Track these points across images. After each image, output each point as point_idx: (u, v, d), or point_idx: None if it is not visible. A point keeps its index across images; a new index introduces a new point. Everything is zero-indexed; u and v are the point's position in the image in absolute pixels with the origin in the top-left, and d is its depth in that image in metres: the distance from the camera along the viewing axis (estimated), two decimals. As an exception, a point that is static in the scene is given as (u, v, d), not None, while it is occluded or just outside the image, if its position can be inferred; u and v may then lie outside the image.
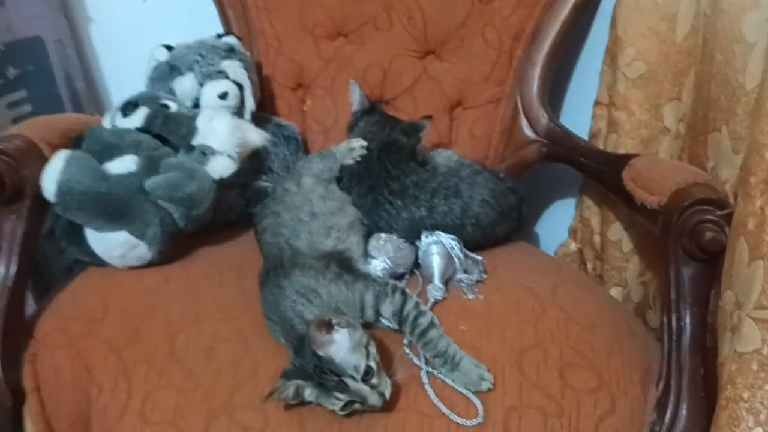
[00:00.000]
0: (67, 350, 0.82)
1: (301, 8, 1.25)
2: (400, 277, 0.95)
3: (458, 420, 0.74)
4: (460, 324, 0.84)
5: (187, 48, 1.11)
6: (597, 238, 1.22)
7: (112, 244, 0.92)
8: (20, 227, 0.86)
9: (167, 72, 1.09)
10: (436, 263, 0.93)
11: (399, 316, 0.82)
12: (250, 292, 0.89)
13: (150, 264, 0.95)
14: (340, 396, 0.73)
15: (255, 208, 1.05)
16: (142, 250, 0.93)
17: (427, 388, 0.77)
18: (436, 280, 0.92)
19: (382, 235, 0.97)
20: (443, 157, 1.08)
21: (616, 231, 1.15)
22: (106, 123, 1.02)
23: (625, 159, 0.99)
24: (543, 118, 1.20)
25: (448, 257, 0.94)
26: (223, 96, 1.07)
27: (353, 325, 0.76)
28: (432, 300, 0.89)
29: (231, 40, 1.15)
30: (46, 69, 1.26)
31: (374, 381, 0.73)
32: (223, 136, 0.99)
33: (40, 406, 0.80)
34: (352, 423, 0.75)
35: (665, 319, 0.81)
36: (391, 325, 0.84)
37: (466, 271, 0.94)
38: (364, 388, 0.72)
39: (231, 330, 0.85)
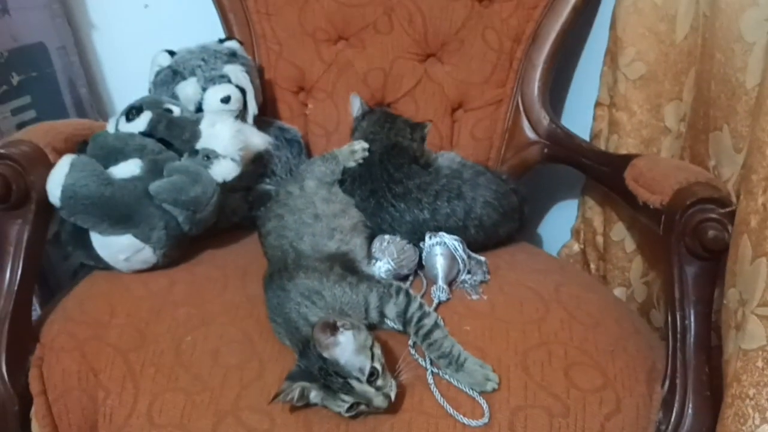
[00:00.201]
0: (73, 354, 0.83)
1: (302, 12, 1.25)
2: (404, 278, 0.96)
3: (464, 420, 0.74)
4: (464, 325, 0.85)
5: (190, 53, 1.11)
6: (600, 239, 1.22)
7: (117, 247, 0.92)
8: (26, 232, 0.87)
9: (170, 77, 1.10)
10: (439, 264, 0.93)
11: (403, 317, 0.83)
12: (254, 294, 0.89)
13: (155, 267, 0.95)
14: (346, 398, 0.73)
15: (258, 211, 1.05)
16: (147, 254, 0.93)
17: (433, 388, 0.77)
18: (440, 281, 0.92)
19: (386, 236, 0.97)
20: (446, 159, 1.08)
21: (619, 231, 1.15)
22: (110, 128, 1.03)
23: (626, 159, 1.00)
24: (544, 119, 1.21)
25: (451, 258, 0.94)
26: (226, 100, 1.08)
27: (358, 327, 0.76)
28: (436, 301, 0.89)
29: (233, 44, 1.16)
30: (49, 75, 1.27)
31: (379, 382, 0.73)
32: (226, 139, 0.99)
33: (47, 410, 0.80)
34: (358, 424, 0.75)
35: (669, 318, 0.82)
36: (395, 327, 0.84)
37: (469, 272, 0.94)
38: (369, 390, 0.72)
39: (236, 332, 0.85)
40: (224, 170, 0.98)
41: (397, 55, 1.25)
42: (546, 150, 1.20)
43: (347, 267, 0.88)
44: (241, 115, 1.11)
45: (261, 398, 0.76)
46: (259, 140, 1.08)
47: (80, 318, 0.87)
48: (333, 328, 0.74)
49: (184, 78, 1.09)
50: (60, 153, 0.93)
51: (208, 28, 1.27)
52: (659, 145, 1.09)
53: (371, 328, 0.81)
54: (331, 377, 0.73)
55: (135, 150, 0.97)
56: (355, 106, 1.14)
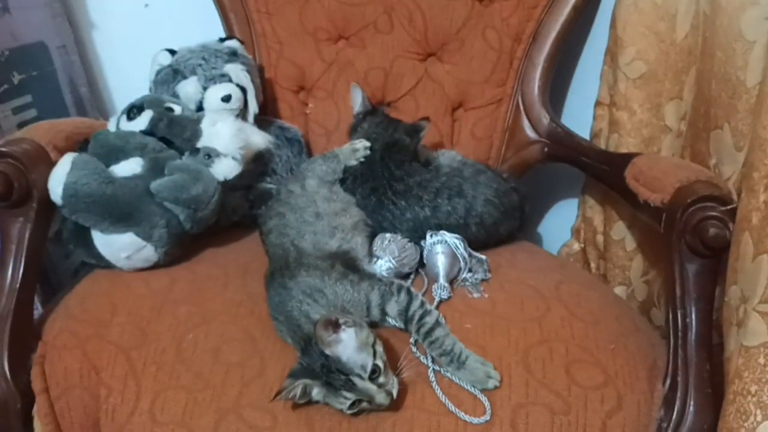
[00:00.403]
0: (75, 352, 0.83)
1: (302, 12, 1.25)
2: (405, 276, 0.96)
3: (466, 418, 0.75)
4: (465, 322, 0.85)
5: (190, 52, 1.12)
6: (600, 238, 1.22)
7: (119, 245, 0.92)
8: (27, 230, 0.87)
9: (170, 76, 1.10)
10: (440, 262, 0.93)
11: (405, 315, 0.83)
12: (255, 292, 0.89)
13: (156, 266, 0.95)
14: (348, 395, 0.73)
15: (259, 209, 1.05)
16: (148, 252, 0.93)
17: (435, 386, 0.77)
18: (441, 279, 0.92)
19: (387, 235, 0.98)
20: (446, 158, 1.09)
21: (619, 230, 1.16)
22: (112, 126, 1.03)
23: (627, 158, 1.00)
24: (544, 118, 1.21)
25: (452, 256, 0.94)
26: (227, 99, 1.08)
27: (360, 324, 0.76)
28: (437, 299, 0.89)
29: (233, 43, 1.16)
30: (50, 74, 1.27)
31: (381, 380, 0.73)
32: (226, 138, 0.99)
33: (49, 408, 0.81)
34: (360, 421, 0.75)
35: (670, 316, 0.82)
36: (397, 324, 0.84)
37: (470, 270, 0.95)
38: (371, 387, 0.73)
39: (238, 330, 0.85)
40: (225, 169, 0.98)
41: (398, 54, 1.25)
42: (546, 149, 1.21)
43: (348, 265, 0.88)
44: (242, 114, 1.11)
45: (263, 396, 0.76)
46: (259, 139, 1.09)
47: (82, 316, 0.87)
48: (335, 326, 0.74)
49: (184, 77, 1.09)
50: (61, 151, 0.93)
51: (209, 27, 1.27)
52: (659, 144, 1.09)
53: (373, 326, 0.81)
54: (333, 374, 0.73)
55: (136, 148, 0.97)
56: (356, 97, 1.14)
